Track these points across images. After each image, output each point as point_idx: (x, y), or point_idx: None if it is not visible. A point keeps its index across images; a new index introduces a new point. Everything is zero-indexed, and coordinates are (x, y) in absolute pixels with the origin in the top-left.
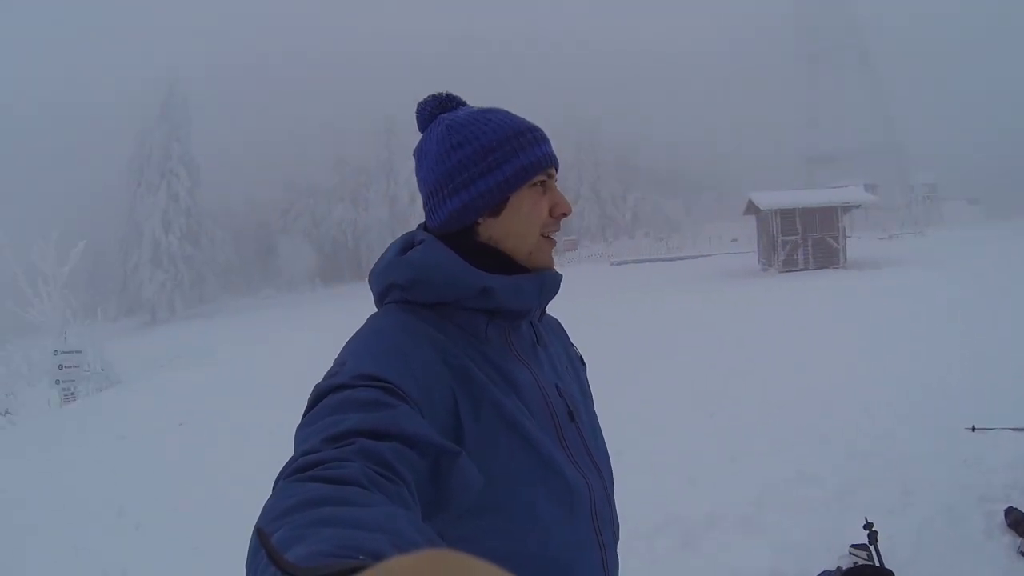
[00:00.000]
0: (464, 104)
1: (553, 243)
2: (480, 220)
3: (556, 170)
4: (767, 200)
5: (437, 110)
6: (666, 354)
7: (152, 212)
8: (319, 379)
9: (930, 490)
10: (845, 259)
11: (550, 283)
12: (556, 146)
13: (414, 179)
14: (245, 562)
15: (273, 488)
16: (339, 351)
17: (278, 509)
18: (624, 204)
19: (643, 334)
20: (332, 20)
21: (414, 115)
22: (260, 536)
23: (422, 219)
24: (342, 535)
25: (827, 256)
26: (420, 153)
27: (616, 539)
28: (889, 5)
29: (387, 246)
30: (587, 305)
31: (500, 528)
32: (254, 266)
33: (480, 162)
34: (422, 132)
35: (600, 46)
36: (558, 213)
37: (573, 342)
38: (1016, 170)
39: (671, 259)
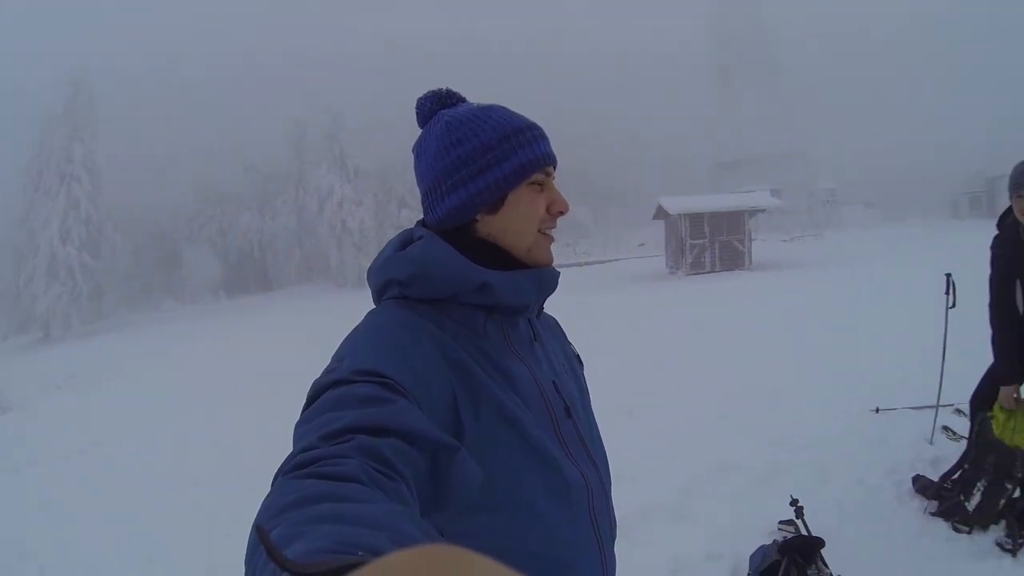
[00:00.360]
0: (463, 100)
1: (551, 240)
2: (479, 217)
3: (555, 168)
4: (676, 205)
5: (437, 106)
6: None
7: (50, 219)
8: (231, 397)
9: (844, 467)
10: (751, 261)
11: (548, 279)
12: None
13: (323, 187)
14: (244, 559)
15: (271, 485)
16: (337, 347)
17: (276, 506)
18: None
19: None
20: (244, 22)
21: (331, 120)
22: (259, 533)
23: (331, 227)
24: (341, 531)
25: (733, 258)
26: (419, 149)
27: (613, 537)
28: (797, 19)
29: (384, 243)
30: None
31: (501, 525)
32: (156, 277)
33: (479, 159)
34: (421, 128)
35: (506, 47)
36: (556, 211)
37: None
38: (909, 177)
39: (581, 264)
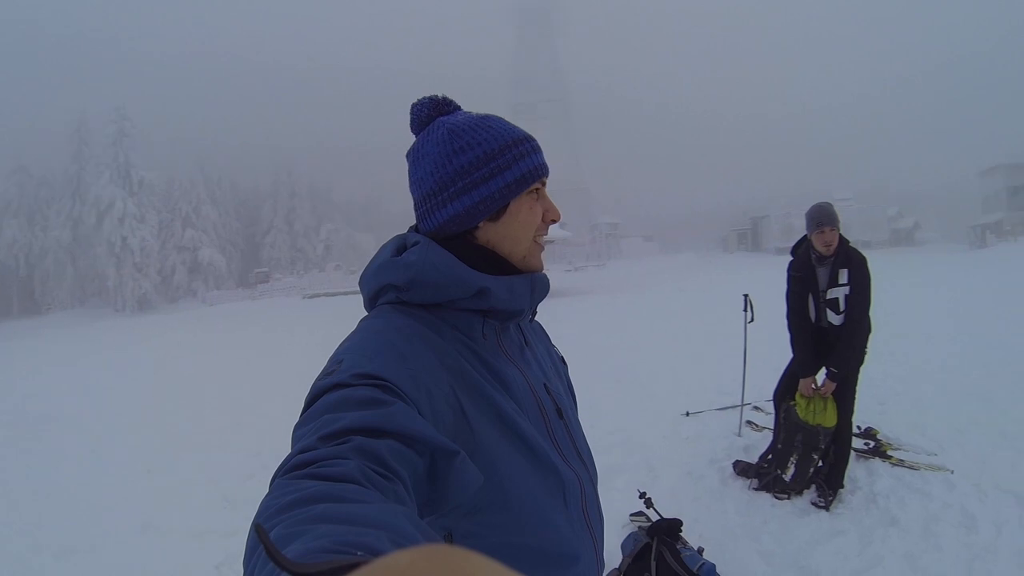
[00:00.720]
0: (459, 108)
1: (542, 247)
2: (480, 224)
3: (547, 178)
4: None
5: (434, 112)
6: None
7: None
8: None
9: (670, 463)
10: None
11: (540, 285)
12: (254, 176)
13: (103, 198)
14: (243, 559)
15: (270, 485)
16: (334, 350)
17: (275, 506)
18: (316, 236)
19: None
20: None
21: (119, 124)
22: (258, 532)
23: (110, 244)
24: (340, 531)
25: None
26: (416, 155)
27: (603, 531)
28: (590, 63)
29: (379, 249)
30: (280, 338)
31: (507, 523)
32: None
33: (483, 167)
34: (415, 134)
35: (314, 75)
36: (549, 219)
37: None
38: (683, 212)
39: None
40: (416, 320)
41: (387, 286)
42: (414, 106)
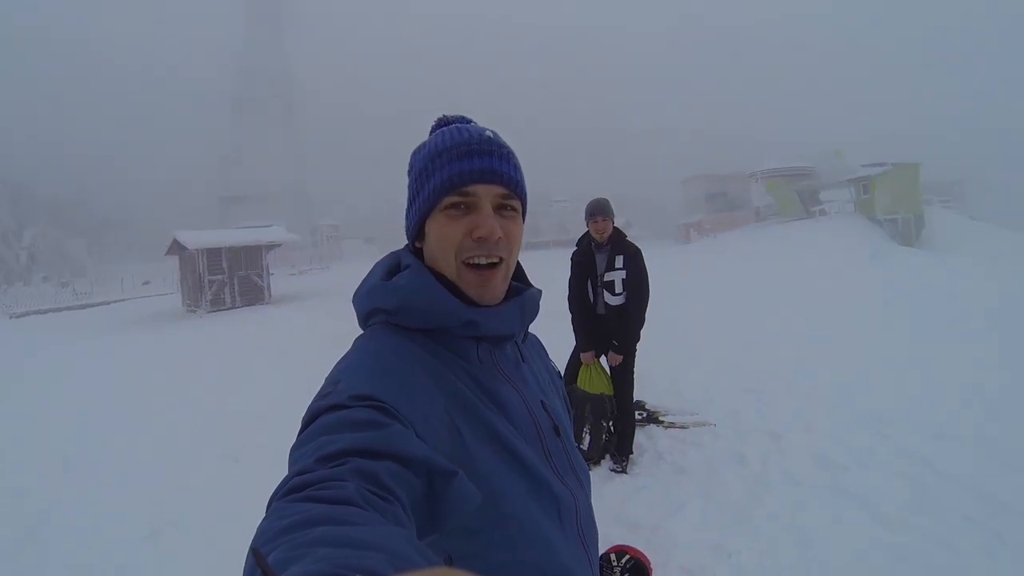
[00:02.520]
0: (457, 123)
1: (481, 274)
2: (419, 245)
3: (499, 184)
4: (193, 239)
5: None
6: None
7: None
8: None
9: None
10: (270, 295)
11: (531, 305)
12: None
13: None
14: None
15: (267, 509)
16: (330, 371)
17: (273, 530)
18: (18, 242)
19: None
20: None
21: None
22: (256, 557)
23: None
24: (338, 555)
25: (253, 293)
26: None
27: (597, 549)
28: (316, 66)
29: (373, 265)
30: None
31: (504, 543)
32: None
33: (412, 187)
34: None
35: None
36: (476, 237)
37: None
38: (397, 216)
39: (82, 307)
40: (410, 340)
41: (377, 309)
42: None
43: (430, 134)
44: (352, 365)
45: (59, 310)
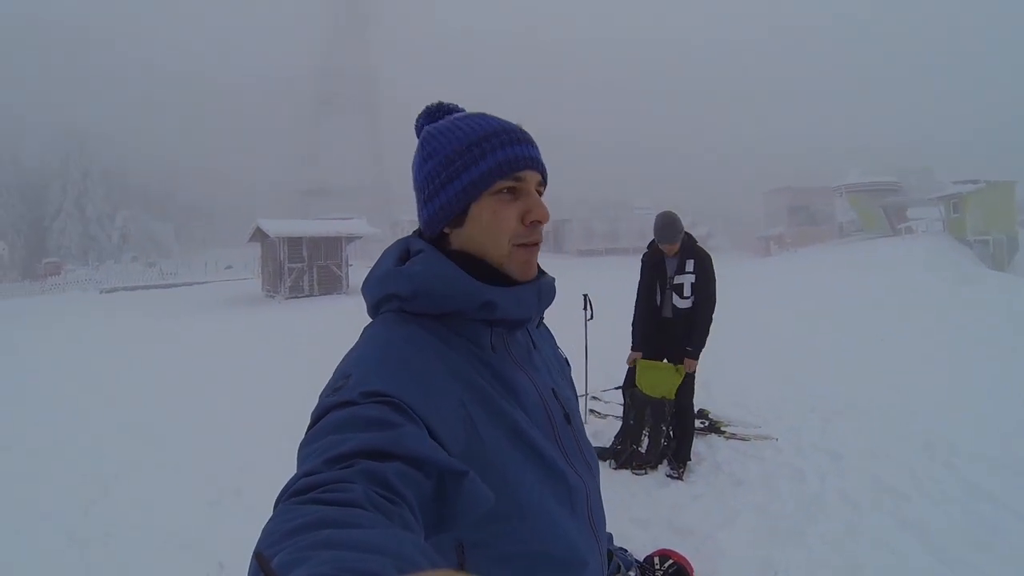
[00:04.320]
0: (455, 111)
1: (529, 252)
2: (447, 231)
3: (539, 172)
4: (275, 227)
5: (426, 121)
6: (193, 386)
7: None
8: None
9: None
10: (348, 285)
11: (547, 290)
12: (40, 152)
13: None
14: None
15: (273, 510)
16: (340, 361)
17: (278, 532)
18: (111, 224)
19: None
20: None
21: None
22: (259, 560)
23: None
24: (343, 557)
25: (331, 282)
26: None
27: (606, 536)
28: (400, 58)
29: (382, 253)
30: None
31: (518, 532)
32: None
33: (443, 172)
34: None
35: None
36: (529, 221)
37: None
38: None
39: (166, 286)
40: (423, 328)
41: (391, 295)
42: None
43: (427, 119)
44: (363, 357)
45: (146, 288)
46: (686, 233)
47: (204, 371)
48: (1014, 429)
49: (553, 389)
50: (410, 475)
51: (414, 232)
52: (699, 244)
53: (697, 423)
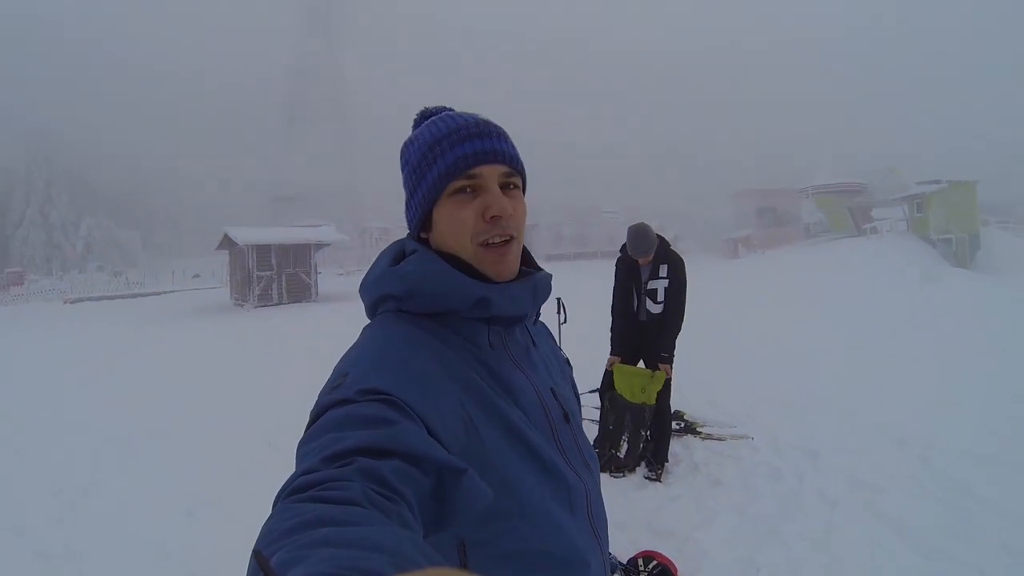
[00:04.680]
0: (438, 113)
1: (497, 251)
2: (424, 235)
3: (503, 163)
4: (243, 235)
5: (413, 127)
6: (163, 396)
7: None
8: None
9: None
10: (317, 293)
11: (542, 286)
12: (2, 157)
13: None
14: None
15: (272, 508)
16: (338, 362)
17: (276, 531)
18: (76, 233)
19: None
20: None
21: None
22: (258, 559)
23: None
24: (341, 555)
25: (300, 290)
26: None
27: (607, 535)
28: (366, 69)
29: (378, 255)
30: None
31: (518, 531)
32: None
33: (411, 180)
34: None
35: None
36: (488, 216)
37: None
38: None
39: (133, 296)
40: (421, 328)
41: (386, 296)
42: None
43: (414, 128)
44: (361, 356)
45: (112, 298)
46: (660, 238)
47: (174, 382)
48: (985, 422)
49: (552, 388)
50: (408, 472)
51: (408, 235)
52: (671, 247)
53: (673, 424)
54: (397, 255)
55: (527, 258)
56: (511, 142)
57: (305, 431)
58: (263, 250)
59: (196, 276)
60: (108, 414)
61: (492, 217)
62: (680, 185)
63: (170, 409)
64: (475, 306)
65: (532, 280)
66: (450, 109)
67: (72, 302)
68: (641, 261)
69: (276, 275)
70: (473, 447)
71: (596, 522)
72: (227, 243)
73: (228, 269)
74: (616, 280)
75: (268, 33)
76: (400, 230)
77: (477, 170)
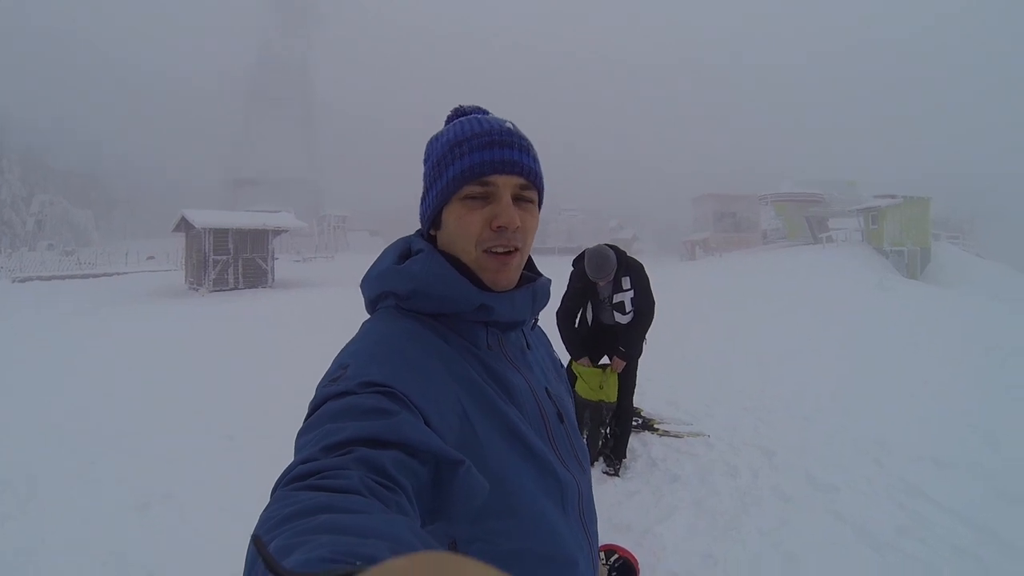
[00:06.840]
0: (473, 113)
1: (500, 260)
2: (433, 232)
3: (520, 175)
4: (201, 218)
5: (445, 124)
6: (110, 385)
7: None
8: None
9: None
10: (273, 279)
11: (542, 293)
12: None
13: None
14: (243, 572)
15: (271, 496)
16: (337, 354)
17: (275, 517)
18: (26, 209)
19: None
20: None
21: None
22: (257, 544)
23: None
24: (339, 541)
25: (257, 276)
26: None
27: (597, 534)
28: (331, 60)
29: (382, 251)
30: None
31: (510, 529)
32: None
33: (430, 176)
34: None
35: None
36: (496, 226)
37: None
38: (404, 210)
39: (85, 276)
40: (423, 326)
41: (388, 293)
42: None
43: (446, 123)
44: (361, 349)
45: (63, 278)
46: (616, 249)
47: (124, 370)
48: (935, 424)
49: (546, 388)
50: (406, 463)
51: (416, 232)
52: (627, 254)
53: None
54: (403, 253)
55: (529, 263)
56: (534, 155)
57: (304, 421)
58: (220, 234)
59: (151, 258)
60: (54, 404)
61: (498, 227)
62: (641, 187)
63: (116, 399)
64: (477, 311)
65: (533, 287)
66: (484, 111)
67: (20, 280)
68: (602, 283)
69: (233, 260)
70: (468, 442)
71: (587, 521)
72: (184, 225)
73: (184, 252)
74: (567, 293)
75: (232, 21)
76: (357, 217)
77: (492, 178)
